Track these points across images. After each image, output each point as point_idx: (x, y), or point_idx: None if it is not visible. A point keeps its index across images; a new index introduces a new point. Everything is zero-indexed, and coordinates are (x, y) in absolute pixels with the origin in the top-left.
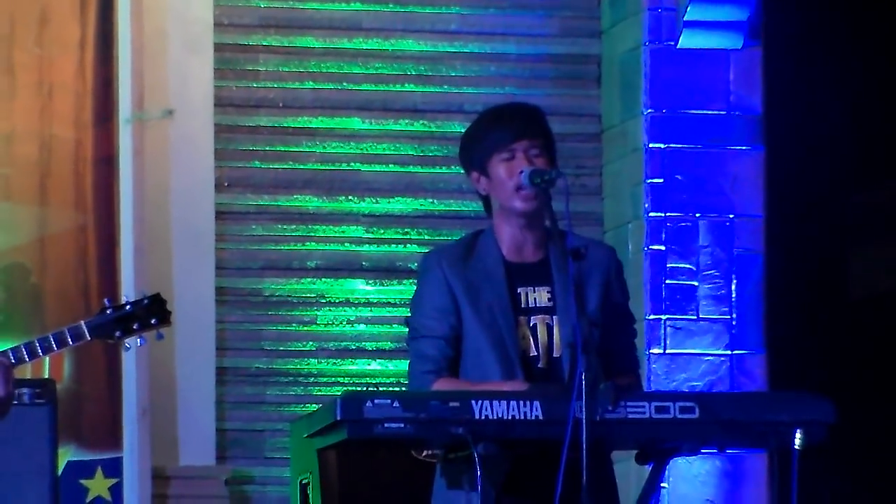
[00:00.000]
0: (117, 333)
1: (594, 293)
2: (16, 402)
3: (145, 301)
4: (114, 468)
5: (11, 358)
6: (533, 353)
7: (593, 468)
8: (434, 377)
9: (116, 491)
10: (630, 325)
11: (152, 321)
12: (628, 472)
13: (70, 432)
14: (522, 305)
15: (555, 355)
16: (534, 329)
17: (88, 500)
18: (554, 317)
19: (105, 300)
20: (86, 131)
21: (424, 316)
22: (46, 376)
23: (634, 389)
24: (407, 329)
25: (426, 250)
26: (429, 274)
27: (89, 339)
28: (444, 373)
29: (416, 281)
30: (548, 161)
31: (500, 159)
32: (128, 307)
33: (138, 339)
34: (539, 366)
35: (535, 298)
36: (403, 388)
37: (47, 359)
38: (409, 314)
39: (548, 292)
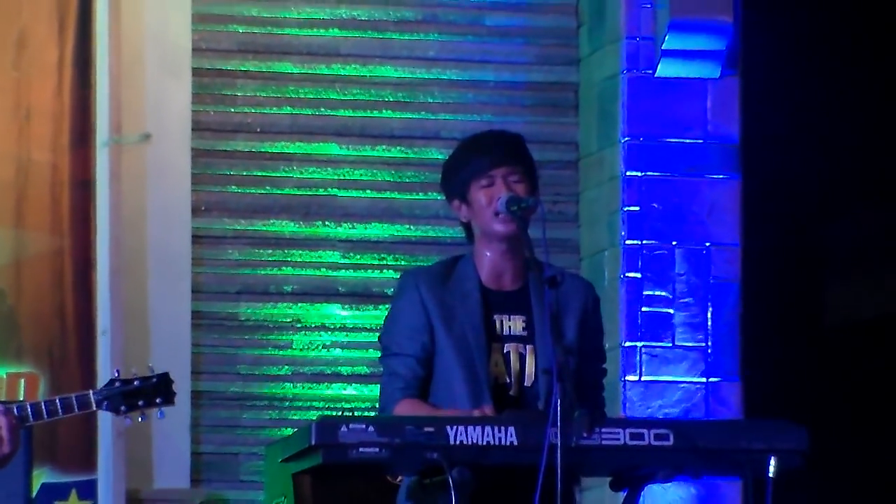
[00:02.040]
0: (122, 408)
1: (571, 323)
2: None
3: (154, 379)
4: (88, 491)
5: (16, 413)
6: (504, 380)
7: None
8: (401, 395)
9: None
10: (601, 362)
11: (157, 400)
12: (602, 498)
13: (44, 454)
14: (497, 332)
15: (526, 384)
16: (507, 357)
17: None
18: (527, 346)
19: (115, 371)
20: (63, 154)
21: (398, 334)
22: (21, 399)
23: None
24: (380, 347)
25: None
26: (405, 293)
27: (94, 409)
28: (413, 391)
29: (391, 299)
30: (528, 188)
31: (479, 186)
32: (136, 383)
33: (139, 416)
34: (510, 393)
35: (509, 327)
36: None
37: (22, 381)
38: (382, 331)
39: (523, 321)
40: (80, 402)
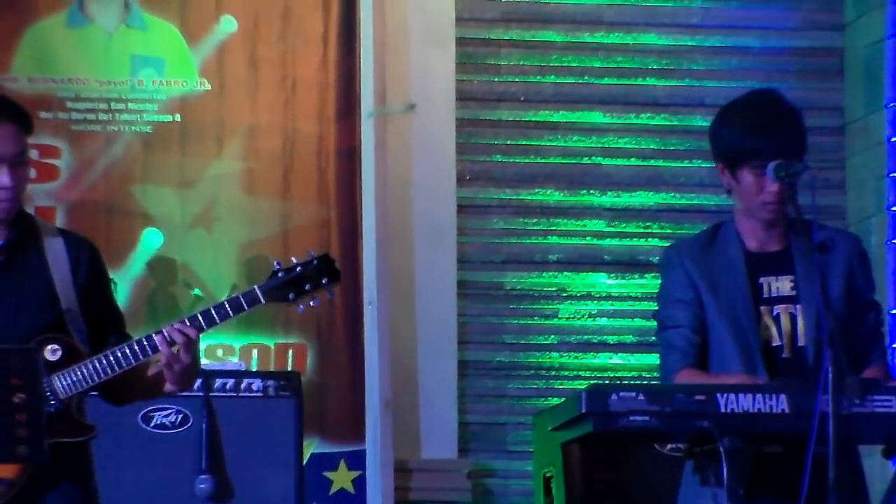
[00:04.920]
0: (290, 295)
1: (836, 282)
2: (261, 395)
3: (314, 262)
4: (357, 461)
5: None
6: (776, 342)
7: (841, 463)
8: (680, 366)
9: (360, 483)
10: (875, 314)
11: (323, 280)
12: (873, 466)
13: (314, 425)
14: (764, 295)
15: (799, 344)
16: (777, 318)
17: (332, 492)
18: (797, 306)
19: (275, 262)
20: (328, 125)
21: (669, 308)
22: (290, 369)
23: (883, 381)
24: (655, 322)
25: (668, 244)
26: (670, 268)
27: (263, 302)
28: (691, 361)
29: (658, 274)
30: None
31: (750, 170)
32: (298, 269)
33: (311, 301)
34: (783, 356)
35: (777, 288)
36: (646, 382)
37: (290, 351)
38: (657, 307)
39: (790, 281)
40: (249, 299)
